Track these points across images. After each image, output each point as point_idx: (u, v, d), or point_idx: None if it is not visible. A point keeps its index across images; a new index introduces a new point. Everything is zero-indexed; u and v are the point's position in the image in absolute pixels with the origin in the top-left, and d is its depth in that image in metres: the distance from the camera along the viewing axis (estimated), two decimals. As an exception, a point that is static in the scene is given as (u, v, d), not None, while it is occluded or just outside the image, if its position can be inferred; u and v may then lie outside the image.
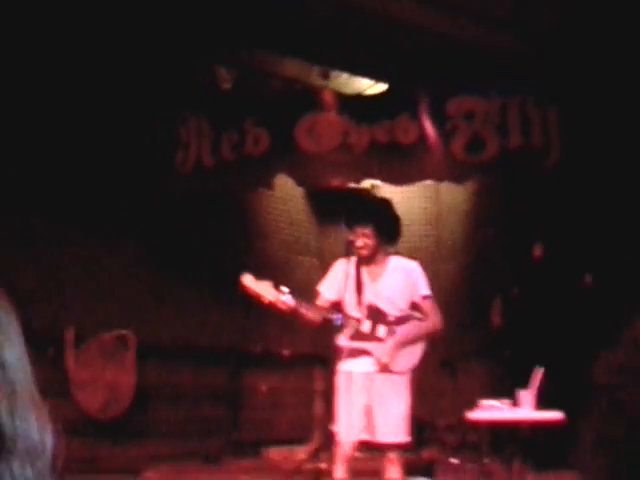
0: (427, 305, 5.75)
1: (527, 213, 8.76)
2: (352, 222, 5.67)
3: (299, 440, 8.88)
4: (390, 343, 5.60)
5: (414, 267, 5.82)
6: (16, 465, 1.04)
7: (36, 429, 1.07)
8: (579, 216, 8.19)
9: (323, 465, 6.39)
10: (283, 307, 5.45)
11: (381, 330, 5.60)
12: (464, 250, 10.16)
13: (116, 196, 8.70)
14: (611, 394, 1.28)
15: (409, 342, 5.69)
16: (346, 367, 5.52)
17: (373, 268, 5.65)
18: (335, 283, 5.71)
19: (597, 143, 7.86)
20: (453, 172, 8.59)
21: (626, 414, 1.27)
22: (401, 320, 5.64)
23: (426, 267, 9.92)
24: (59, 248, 8.61)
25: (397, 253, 6.03)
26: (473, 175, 8.81)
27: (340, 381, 5.56)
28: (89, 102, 8.47)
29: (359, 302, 5.55)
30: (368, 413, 5.49)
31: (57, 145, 8.38)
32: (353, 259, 5.75)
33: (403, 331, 5.69)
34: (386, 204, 5.98)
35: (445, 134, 8.31)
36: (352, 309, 5.54)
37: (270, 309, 5.46)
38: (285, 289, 5.47)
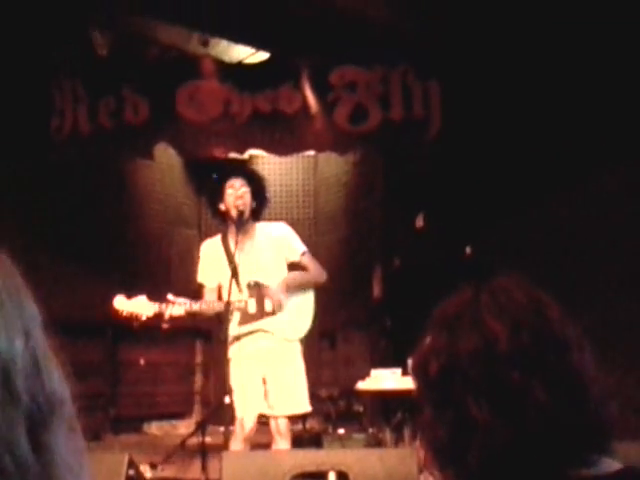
0: (307, 260, 5.72)
1: (408, 184, 8.83)
2: (230, 176, 5.50)
3: (180, 414, 8.75)
4: (279, 285, 5.50)
5: (284, 228, 5.74)
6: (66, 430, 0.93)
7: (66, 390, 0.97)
8: (460, 187, 8.30)
9: (209, 439, 6.28)
10: (174, 314, 5.25)
11: (268, 304, 5.47)
12: (343, 221, 10.19)
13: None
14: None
15: (297, 286, 5.59)
16: (239, 343, 5.40)
17: (242, 238, 5.43)
18: (211, 268, 5.54)
19: (478, 115, 7.96)
20: (336, 142, 8.54)
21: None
22: None
23: (305, 239, 9.94)
24: None
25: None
26: (356, 146, 8.80)
27: (234, 356, 5.45)
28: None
29: (238, 283, 5.40)
30: (264, 386, 5.41)
31: None
32: (217, 238, 5.60)
33: (290, 276, 5.62)
34: (254, 168, 5.93)
35: (328, 104, 8.26)
36: (233, 292, 5.34)
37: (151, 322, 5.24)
38: (171, 297, 5.28)
